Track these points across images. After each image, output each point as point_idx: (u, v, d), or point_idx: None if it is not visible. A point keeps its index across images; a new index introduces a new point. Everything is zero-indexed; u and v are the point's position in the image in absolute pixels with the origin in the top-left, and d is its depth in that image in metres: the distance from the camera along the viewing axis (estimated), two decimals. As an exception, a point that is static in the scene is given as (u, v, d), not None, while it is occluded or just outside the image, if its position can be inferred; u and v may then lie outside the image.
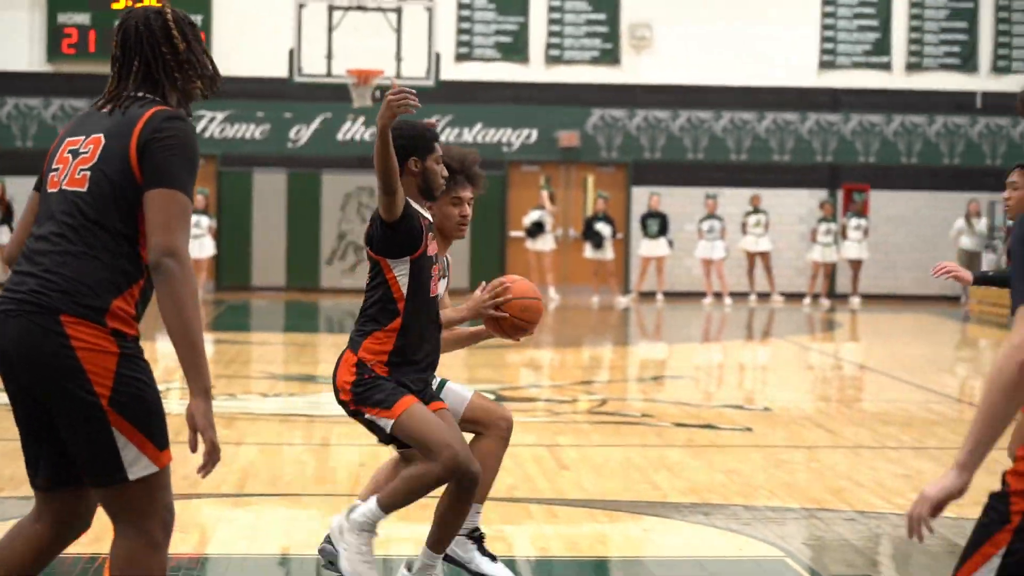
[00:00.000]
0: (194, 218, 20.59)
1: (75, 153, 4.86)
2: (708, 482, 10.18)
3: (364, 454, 10.42)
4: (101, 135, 4.83)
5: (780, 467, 10.89)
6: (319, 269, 30.06)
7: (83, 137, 4.87)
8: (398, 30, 25.61)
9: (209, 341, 17.82)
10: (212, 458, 4.65)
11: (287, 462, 10.72)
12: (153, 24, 4.93)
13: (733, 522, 8.90)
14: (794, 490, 9.98)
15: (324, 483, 8.90)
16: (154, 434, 4.70)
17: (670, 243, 29.14)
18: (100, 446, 4.64)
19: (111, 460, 4.64)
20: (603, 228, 28.86)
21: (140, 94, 4.90)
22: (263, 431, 12.03)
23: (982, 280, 8.94)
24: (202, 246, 26.80)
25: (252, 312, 26.80)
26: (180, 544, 7.12)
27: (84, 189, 4.78)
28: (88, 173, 4.79)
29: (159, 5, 5.06)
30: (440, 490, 6.42)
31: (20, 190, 26.10)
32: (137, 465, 4.66)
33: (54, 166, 4.90)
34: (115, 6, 28.10)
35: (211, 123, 29.76)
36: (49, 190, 4.87)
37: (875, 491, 10.03)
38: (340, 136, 30.06)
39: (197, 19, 4.48)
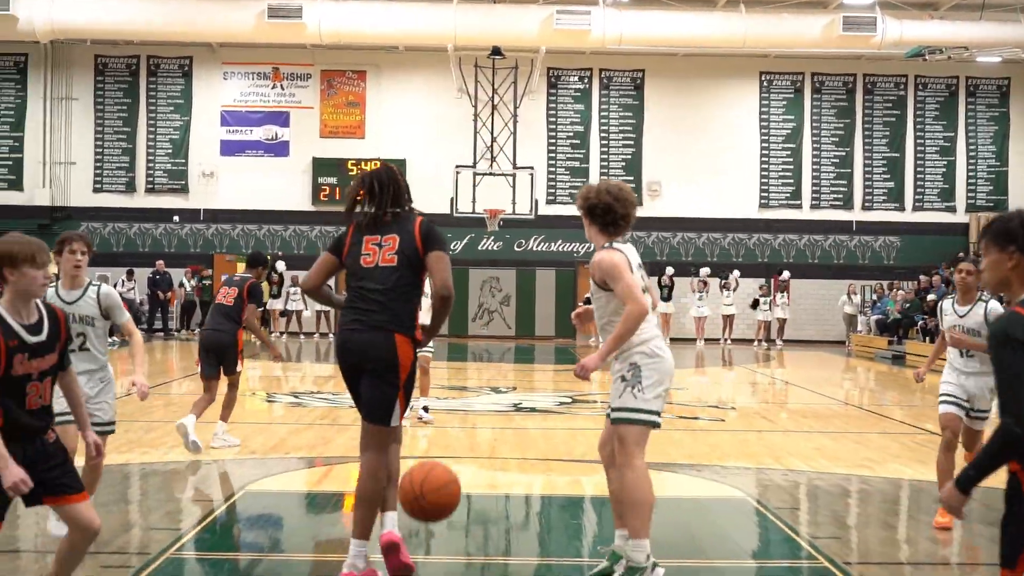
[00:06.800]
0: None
1: (379, 245, 5.16)
2: (697, 451, 10.18)
3: None
4: (395, 234, 5.16)
5: (741, 443, 10.93)
6: (467, 323, 30.17)
7: (379, 236, 5.17)
8: (513, 187, 26.01)
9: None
10: None
11: None
12: (394, 172, 5.29)
13: (714, 475, 8.94)
14: (749, 456, 10.00)
15: None
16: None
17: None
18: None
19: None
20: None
21: (396, 210, 5.21)
22: None
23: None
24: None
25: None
26: None
27: (394, 264, 5.13)
28: (395, 256, 5.13)
29: (385, 164, 5.38)
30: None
31: (297, 273, 26.39)
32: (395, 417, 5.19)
33: (364, 251, 5.17)
34: (350, 174, 28.71)
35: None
36: (364, 265, 5.14)
37: (798, 456, 10.06)
38: (480, 247, 30.31)
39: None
